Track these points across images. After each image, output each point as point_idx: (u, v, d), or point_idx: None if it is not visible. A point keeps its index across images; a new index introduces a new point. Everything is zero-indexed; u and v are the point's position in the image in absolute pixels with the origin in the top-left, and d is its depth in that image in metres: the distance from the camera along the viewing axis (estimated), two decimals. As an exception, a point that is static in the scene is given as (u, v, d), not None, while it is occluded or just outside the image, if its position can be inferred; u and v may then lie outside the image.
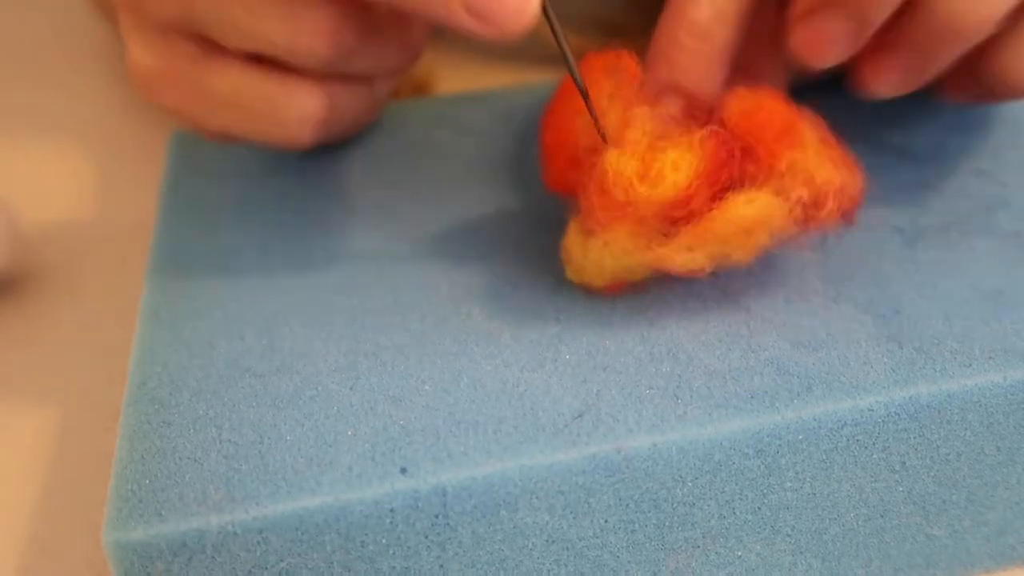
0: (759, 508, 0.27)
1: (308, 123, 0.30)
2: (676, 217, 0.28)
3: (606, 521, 0.27)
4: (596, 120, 0.29)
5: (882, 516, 0.28)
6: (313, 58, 0.28)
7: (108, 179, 0.48)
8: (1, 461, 0.35)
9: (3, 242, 0.40)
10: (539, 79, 0.34)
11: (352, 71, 0.31)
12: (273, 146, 0.33)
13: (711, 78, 0.30)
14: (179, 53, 0.30)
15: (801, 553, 0.28)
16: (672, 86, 0.31)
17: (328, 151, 0.39)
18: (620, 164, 0.28)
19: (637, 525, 0.27)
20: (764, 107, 0.29)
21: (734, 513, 0.27)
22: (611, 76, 0.31)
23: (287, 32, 0.28)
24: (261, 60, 0.30)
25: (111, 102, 0.53)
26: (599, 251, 0.29)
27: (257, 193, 0.37)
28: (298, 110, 0.30)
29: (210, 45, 0.30)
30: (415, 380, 0.28)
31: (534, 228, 0.34)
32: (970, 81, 0.32)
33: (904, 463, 0.28)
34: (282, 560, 0.25)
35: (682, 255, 0.28)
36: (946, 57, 0.30)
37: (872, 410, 0.27)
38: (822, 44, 0.29)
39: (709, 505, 0.27)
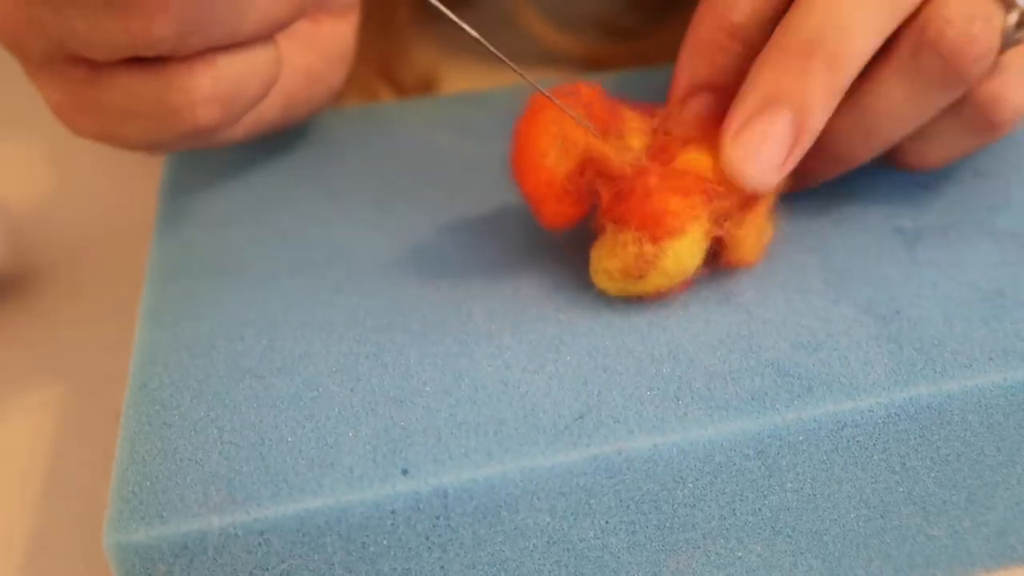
0: (759, 509, 0.27)
1: (201, 105, 0.30)
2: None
3: (607, 522, 0.27)
4: (581, 120, 0.30)
5: (882, 517, 0.28)
6: (162, 41, 0.28)
7: (108, 179, 0.48)
8: (1, 461, 0.35)
9: (3, 242, 0.40)
10: (541, 79, 0.34)
11: (220, 37, 0.30)
12: (201, 140, 0.33)
13: (740, 80, 0.31)
14: (72, 80, 0.31)
15: (801, 554, 0.28)
16: (709, 86, 0.32)
17: (328, 151, 0.39)
18: (695, 161, 0.30)
19: (638, 526, 0.27)
20: (642, 191, 0.29)
21: (735, 514, 0.27)
22: (574, 102, 0.31)
23: (120, 26, 0.28)
24: (142, 61, 0.30)
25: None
26: (675, 254, 0.29)
27: (257, 193, 0.37)
28: (185, 95, 0.30)
29: (91, 64, 0.31)
30: (416, 381, 0.28)
31: (535, 229, 0.34)
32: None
33: (904, 464, 0.28)
34: (283, 561, 0.25)
35: None
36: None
37: (872, 411, 0.27)
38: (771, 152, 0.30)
39: (710, 506, 0.27)
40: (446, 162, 0.38)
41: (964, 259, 0.31)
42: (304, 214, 0.36)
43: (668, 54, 0.34)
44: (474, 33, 0.29)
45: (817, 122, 0.30)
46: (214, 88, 0.30)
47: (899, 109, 0.31)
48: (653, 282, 0.29)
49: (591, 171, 0.30)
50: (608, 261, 0.30)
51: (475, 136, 0.40)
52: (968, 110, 0.32)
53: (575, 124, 0.30)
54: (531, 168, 0.30)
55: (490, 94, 0.42)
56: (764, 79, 0.30)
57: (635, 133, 0.31)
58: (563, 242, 0.33)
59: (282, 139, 0.40)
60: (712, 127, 0.31)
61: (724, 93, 0.31)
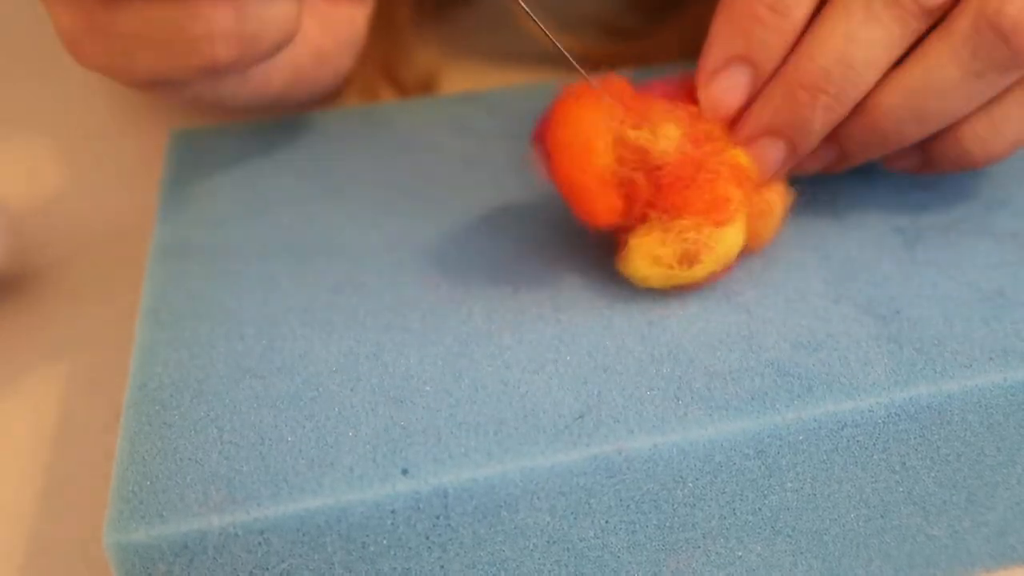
0: (759, 509, 0.27)
1: (220, 39, 0.30)
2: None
3: (607, 522, 0.27)
4: (620, 111, 0.30)
5: (882, 516, 0.28)
6: None
7: (108, 179, 0.48)
8: (1, 461, 0.35)
9: (3, 242, 0.40)
10: (541, 79, 0.34)
11: None
12: (210, 83, 0.33)
13: (781, 55, 0.31)
14: (87, 4, 0.30)
15: (801, 554, 0.28)
16: (743, 58, 0.31)
17: (328, 151, 0.39)
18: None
19: (638, 526, 0.27)
20: (704, 178, 0.30)
21: (735, 514, 0.27)
22: (606, 97, 0.31)
23: None
24: None
25: (111, 102, 0.53)
26: (731, 239, 0.30)
27: (257, 193, 0.37)
28: (204, 25, 0.29)
29: None
30: (416, 381, 0.28)
31: (535, 228, 0.34)
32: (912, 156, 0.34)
33: (904, 464, 0.28)
34: (283, 561, 0.25)
35: None
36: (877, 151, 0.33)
37: (872, 411, 0.27)
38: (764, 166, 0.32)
39: (710, 506, 0.27)
40: (446, 162, 0.38)
41: (964, 259, 0.31)
42: (304, 214, 0.36)
43: (668, 54, 0.34)
44: (531, 14, 0.28)
45: (807, 149, 0.31)
46: (235, 24, 0.30)
47: (956, 89, 0.30)
48: (706, 268, 0.30)
49: (629, 163, 0.30)
50: (660, 248, 0.29)
51: (475, 136, 0.40)
52: None
53: (613, 116, 0.30)
54: (580, 163, 0.29)
55: (490, 94, 0.42)
56: (770, 107, 0.31)
57: (669, 123, 0.30)
58: (562, 242, 0.33)
59: (282, 138, 0.40)
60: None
61: (757, 69, 0.31)
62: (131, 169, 0.47)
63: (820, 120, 0.31)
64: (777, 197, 0.31)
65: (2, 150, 0.50)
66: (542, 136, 0.31)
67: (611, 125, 0.30)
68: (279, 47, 0.32)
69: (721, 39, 0.31)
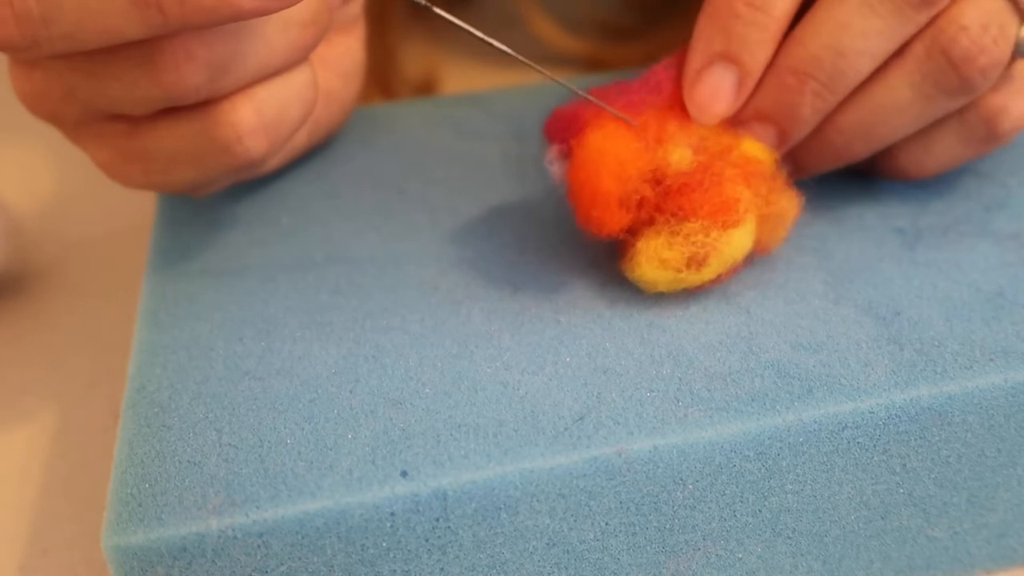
0: (760, 510, 0.27)
1: (248, 136, 0.30)
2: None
3: (607, 524, 0.27)
4: (633, 124, 0.30)
5: (883, 518, 0.28)
6: (197, 88, 0.29)
7: (108, 180, 0.48)
8: (0, 461, 0.35)
9: (3, 242, 0.40)
10: (540, 81, 0.34)
11: (254, 71, 0.30)
12: (247, 173, 0.34)
13: (764, 52, 0.31)
14: (115, 136, 0.31)
15: (802, 555, 0.28)
16: (724, 55, 0.31)
17: (328, 151, 0.39)
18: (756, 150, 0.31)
19: (638, 528, 0.27)
20: (711, 181, 0.30)
21: (735, 515, 0.27)
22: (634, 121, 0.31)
23: (151, 82, 0.28)
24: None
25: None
26: (738, 240, 0.29)
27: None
28: (231, 129, 0.30)
29: (131, 118, 0.31)
30: (415, 383, 0.28)
31: (534, 230, 0.34)
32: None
33: (905, 465, 0.28)
34: (282, 564, 0.25)
35: None
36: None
37: (873, 412, 0.27)
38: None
39: (710, 508, 0.27)
40: (446, 163, 0.38)
41: (964, 260, 0.31)
42: (304, 214, 0.36)
43: (669, 54, 0.34)
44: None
45: (799, 135, 0.32)
46: (258, 118, 0.31)
47: (904, 110, 0.31)
48: (713, 269, 0.29)
49: (644, 178, 0.30)
50: (667, 251, 0.29)
51: (474, 137, 0.39)
52: (972, 118, 0.32)
53: (642, 137, 0.30)
54: (608, 182, 0.29)
55: (489, 95, 0.42)
56: (761, 92, 0.31)
57: (683, 142, 0.31)
58: (562, 243, 0.33)
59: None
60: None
61: (742, 68, 0.31)
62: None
63: (809, 106, 0.31)
64: (788, 204, 0.31)
65: (2, 151, 0.50)
66: (561, 136, 0.31)
67: (640, 147, 0.30)
68: (304, 120, 0.32)
69: (703, 39, 0.31)
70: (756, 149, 0.31)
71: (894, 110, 0.31)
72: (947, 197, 0.34)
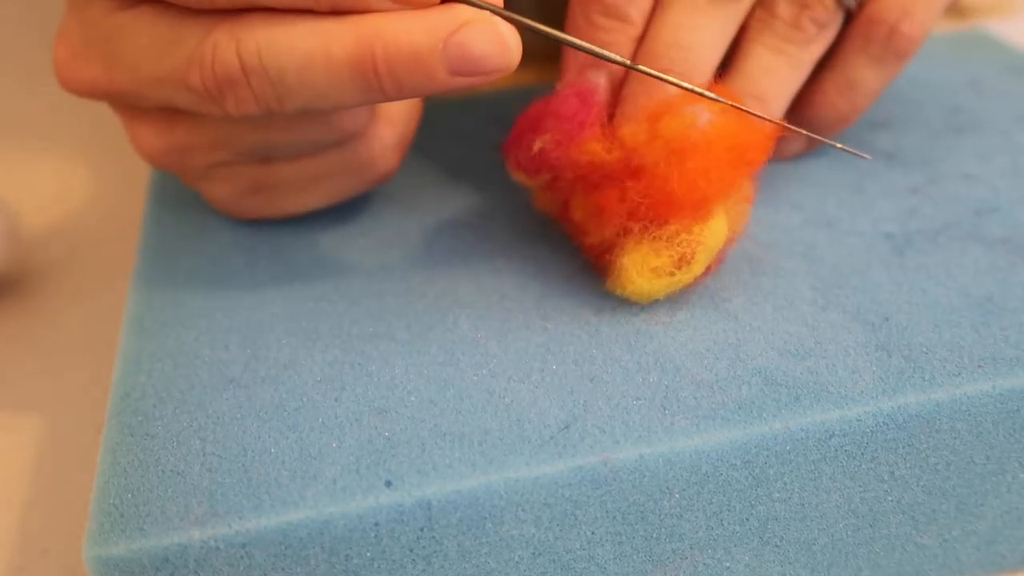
0: (747, 519, 0.27)
1: (390, 152, 0.34)
2: None
3: (593, 533, 0.26)
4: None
5: (871, 526, 0.28)
6: (364, 125, 0.32)
7: (107, 179, 0.48)
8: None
9: (3, 242, 0.40)
10: (537, 81, 0.34)
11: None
12: (371, 188, 0.35)
13: (629, 52, 0.32)
14: (246, 173, 0.33)
15: (790, 564, 0.28)
16: (593, 63, 0.33)
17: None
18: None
19: (624, 537, 0.27)
20: (680, 178, 0.29)
21: (722, 524, 0.27)
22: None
23: (324, 129, 0.31)
24: None
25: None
26: (715, 228, 0.30)
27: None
28: (378, 143, 0.33)
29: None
30: (401, 391, 0.28)
31: (522, 236, 0.34)
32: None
33: (893, 473, 0.28)
34: (265, 575, 0.25)
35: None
36: None
37: (861, 420, 0.27)
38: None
39: (697, 516, 0.27)
40: (434, 169, 0.38)
41: (953, 265, 0.31)
42: (290, 221, 0.35)
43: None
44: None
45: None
46: (394, 136, 0.33)
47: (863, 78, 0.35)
48: (702, 263, 0.29)
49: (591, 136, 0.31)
50: (655, 259, 0.29)
51: (464, 142, 0.39)
52: (877, 33, 0.34)
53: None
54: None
55: (479, 98, 0.42)
56: (628, 89, 0.32)
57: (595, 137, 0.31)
58: (550, 250, 0.33)
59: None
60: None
61: (609, 68, 0.32)
62: (130, 170, 0.47)
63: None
64: (749, 188, 0.31)
65: (2, 152, 0.50)
66: (528, 137, 0.32)
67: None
68: (413, 134, 0.35)
69: (570, 53, 0.33)
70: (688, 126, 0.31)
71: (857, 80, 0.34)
72: (936, 202, 0.34)
